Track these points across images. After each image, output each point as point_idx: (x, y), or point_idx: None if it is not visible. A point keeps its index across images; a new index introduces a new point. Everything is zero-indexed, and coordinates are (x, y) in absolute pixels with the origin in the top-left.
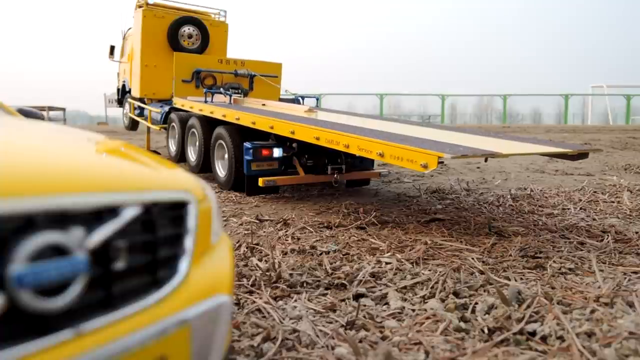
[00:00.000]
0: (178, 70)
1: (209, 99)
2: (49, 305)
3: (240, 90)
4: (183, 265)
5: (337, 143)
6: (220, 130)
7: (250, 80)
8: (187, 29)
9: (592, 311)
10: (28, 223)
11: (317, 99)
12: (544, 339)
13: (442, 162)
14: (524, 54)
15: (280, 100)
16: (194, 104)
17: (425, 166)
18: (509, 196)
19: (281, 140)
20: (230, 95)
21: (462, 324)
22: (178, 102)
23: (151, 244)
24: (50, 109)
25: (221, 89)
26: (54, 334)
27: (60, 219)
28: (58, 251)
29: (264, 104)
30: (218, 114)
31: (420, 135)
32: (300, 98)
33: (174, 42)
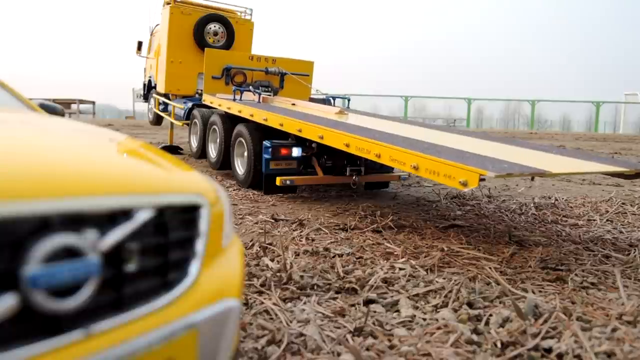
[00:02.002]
0: (208, 66)
1: (237, 97)
2: (61, 306)
3: (270, 89)
4: (193, 268)
5: (367, 151)
6: (240, 128)
7: (281, 78)
8: (213, 27)
9: (614, 329)
10: (43, 225)
11: (348, 100)
12: (560, 356)
13: (483, 180)
14: (554, 60)
15: (311, 100)
16: (223, 102)
17: (464, 184)
18: (532, 204)
19: (301, 140)
20: (260, 94)
21: (474, 337)
22: (207, 99)
23: (162, 246)
24: (81, 102)
25: (250, 87)
26: (65, 334)
27: (75, 221)
28: (71, 253)
29: (293, 104)
30: (246, 113)
31: (456, 145)
32: (331, 98)
33: (200, 39)
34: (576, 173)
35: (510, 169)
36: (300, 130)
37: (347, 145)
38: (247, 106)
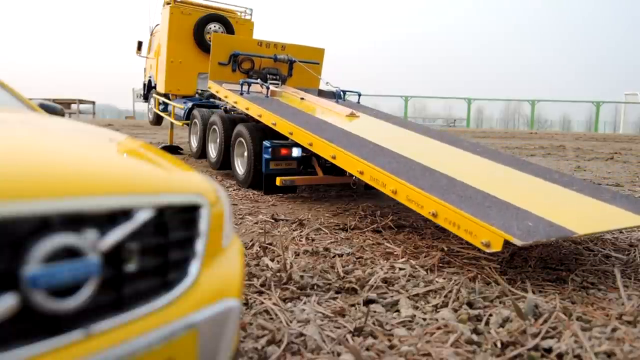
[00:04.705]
0: (215, 52)
1: (245, 88)
2: (61, 306)
3: (278, 77)
4: (193, 268)
5: (383, 185)
6: (240, 128)
7: (290, 66)
8: (213, 26)
9: (614, 329)
10: (43, 225)
11: (359, 95)
12: (560, 356)
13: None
14: (554, 60)
15: (320, 93)
16: (229, 94)
17: (487, 245)
18: None
19: None
20: (268, 88)
21: (474, 337)
22: (213, 87)
23: (162, 246)
24: (81, 102)
25: (259, 79)
26: (65, 334)
27: (75, 221)
28: (71, 253)
29: (302, 98)
30: (254, 112)
31: (474, 176)
32: (341, 92)
33: (200, 39)
34: (607, 231)
35: (536, 231)
36: (311, 144)
37: (361, 173)
38: (254, 104)
